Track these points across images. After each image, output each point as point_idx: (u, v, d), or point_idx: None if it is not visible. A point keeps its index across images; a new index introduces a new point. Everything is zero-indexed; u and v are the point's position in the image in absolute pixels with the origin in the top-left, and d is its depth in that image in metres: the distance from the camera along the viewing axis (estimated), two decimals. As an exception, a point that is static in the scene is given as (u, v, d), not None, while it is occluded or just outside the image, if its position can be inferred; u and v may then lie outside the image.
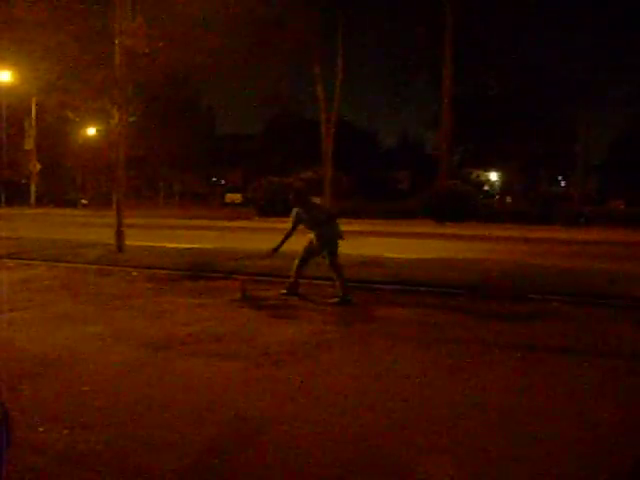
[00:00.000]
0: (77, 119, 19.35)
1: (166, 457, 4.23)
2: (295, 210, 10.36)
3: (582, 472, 4.09)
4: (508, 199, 53.04)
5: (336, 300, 9.70)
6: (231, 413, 5.03)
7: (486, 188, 65.21)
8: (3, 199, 57.63)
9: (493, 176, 71.22)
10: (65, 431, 4.62)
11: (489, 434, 4.67)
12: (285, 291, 10.32)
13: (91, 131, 50.21)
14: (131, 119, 16.10)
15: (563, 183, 61.12)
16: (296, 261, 10.40)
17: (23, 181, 57.98)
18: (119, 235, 15.78)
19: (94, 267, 13.38)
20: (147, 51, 15.43)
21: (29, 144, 52.36)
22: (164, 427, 4.73)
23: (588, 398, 5.49)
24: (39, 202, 54.81)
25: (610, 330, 8.14)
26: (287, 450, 4.35)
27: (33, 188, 54.90)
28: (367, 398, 5.43)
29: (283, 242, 10.28)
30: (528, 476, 4.05)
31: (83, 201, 57.99)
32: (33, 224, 29.13)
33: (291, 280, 10.36)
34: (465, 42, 41.89)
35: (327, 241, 10.09)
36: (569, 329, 8.15)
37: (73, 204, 55.82)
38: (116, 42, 15.51)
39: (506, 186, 64.79)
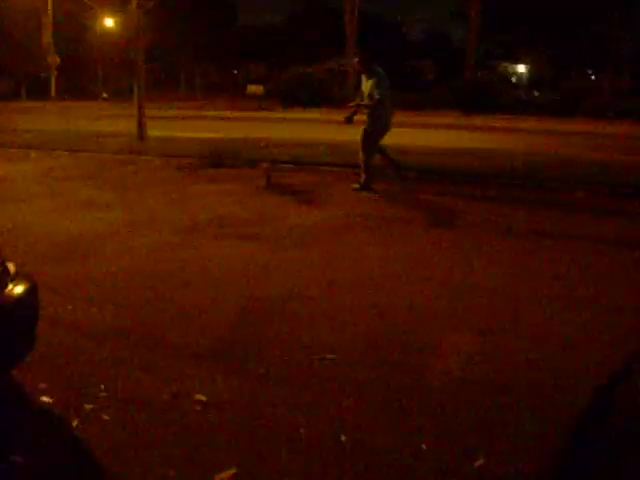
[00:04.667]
0: (95, 5, 18.75)
1: (195, 332, 4.28)
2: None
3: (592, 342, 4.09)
4: (536, 92, 51.67)
5: (357, 186, 9.54)
6: (254, 292, 5.07)
7: (513, 80, 63.50)
8: (24, 93, 57.22)
9: (521, 68, 69.29)
10: (94, 309, 4.68)
11: (501, 314, 4.68)
12: (357, 186, 9.62)
13: (109, 22, 49.17)
14: (149, 5, 15.59)
15: (593, 77, 59.29)
16: (361, 154, 9.63)
17: (43, 75, 57.37)
18: (141, 125, 15.67)
19: (117, 156, 13.34)
20: None
21: (47, 37, 51.50)
22: (191, 305, 4.78)
23: (607, 286, 5.45)
24: (60, 96, 54.33)
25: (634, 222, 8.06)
26: (308, 326, 4.39)
27: (53, 82, 54.36)
28: (388, 279, 5.43)
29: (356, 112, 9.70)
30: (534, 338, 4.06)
31: (104, 94, 57.44)
32: (54, 117, 28.94)
33: (363, 176, 9.64)
34: None
35: (386, 124, 9.55)
36: (589, 219, 8.07)
37: (94, 97, 55.35)
38: None
39: (535, 79, 63.12)
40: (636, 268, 5.91)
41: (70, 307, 4.69)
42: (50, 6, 48.67)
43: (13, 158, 13.41)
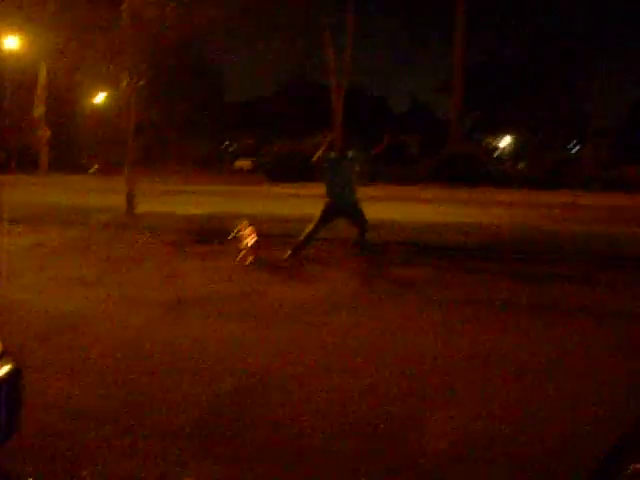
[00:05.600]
0: (86, 84, 19.23)
1: (180, 413, 4.28)
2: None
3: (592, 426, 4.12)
4: (520, 165, 52.64)
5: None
6: (243, 371, 5.08)
7: (497, 153, 64.68)
8: (13, 165, 57.69)
9: (505, 142, 70.65)
10: (79, 389, 4.67)
11: (497, 388, 4.70)
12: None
13: (100, 97, 50.05)
14: (140, 83, 15.96)
15: (577, 148, 60.57)
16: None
17: (33, 148, 57.92)
18: (130, 200, 15.81)
19: (105, 231, 13.41)
20: (156, 13, 15.30)
21: (38, 110, 52.28)
22: (178, 385, 4.79)
23: (601, 356, 5.50)
24: (49, 168, 54.80)
25: (618, 292, 8.15)
26: (298, 406, 4.40)
27: (43, 155, 54.89)
28: (377, 355, 5.47)
29: None
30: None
31: (94, 167, 57.98)
32: (43, 190, 29.16)
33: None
34: (476, 7, 41.36)
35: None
36: (577, 290, 8.17)
37: (83, 170, 55.78)
38: (125, 5, 15.40)
39: (517, 151, 64.32)
40: (616, 339, 5.97)
41: (56, 386, 4.69)
42: (43, 81, 49.60)
43: (1, 232, 13.44)
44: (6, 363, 3.23)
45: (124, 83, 15.72)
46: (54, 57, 16.53)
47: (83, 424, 4.09)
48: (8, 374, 3.20)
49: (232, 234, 10.43)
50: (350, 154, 10.13)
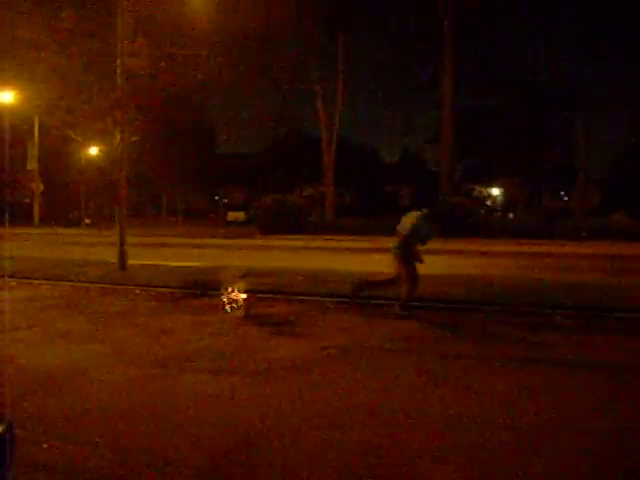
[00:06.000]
0: (79, 139, 19.44)
1: (171, 474, 4.25)
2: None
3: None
4: (510, 215, 53.04)
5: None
6: (236, 428, 5.06)
7: (488, 203, 65.23)
8: (6, 219, 57.75)
9: (495, 191, 71.32)
10: (70, 447, 4.65)
11: (487, 445, 4.69)
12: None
13: (93, 151, 50.38)
14: (133, 139, 16.13)
15: (566, 198, 61.12)
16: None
17: (26, 201, 58.14)
18: (122, 254, 15.82)
19: (97, 286, 13.42)
20: (148, 71, 15.53)
21: (32, 164, 52.69)
22: (169, 444, 4.76)
23: (595, 410, 5.51)
24: (42, 222, 54.98)
25: (609, 341, 8.17)
26: (292, 463, 4.38)
27: (36, 208, 55.09)
28: (369, 411, 5.45)
29: None
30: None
31: (86, 220, 58.10)
32: (36, 244, 29.21)
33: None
34: (464, 57, 42.11)
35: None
36: (570, 341, 8.17)
37: (76, 224, 55.93)
38: (118, 63, 15.65)
39: (508, 201, 64.89)
40: (610, 390, 5.97)
41: (45, 446, 4.66)
42: (36, 135, 50.03)
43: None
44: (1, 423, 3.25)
45: (117, 138, 15.87)
46: (48, 113, 16.63)
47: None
48: (2, 434, 3.22)
49: (224, 289, 10.45)
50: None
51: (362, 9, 42.49)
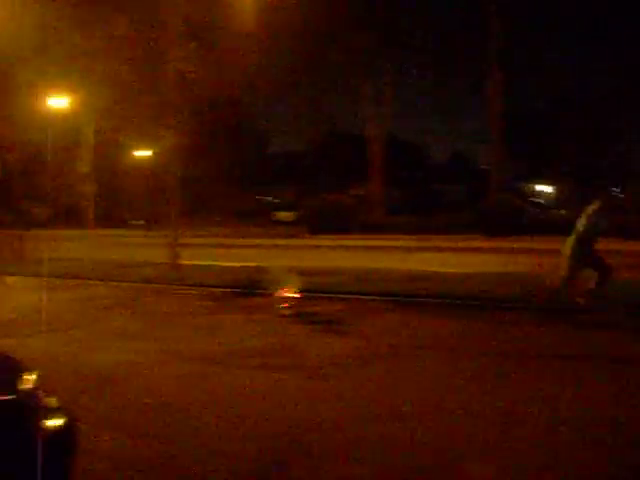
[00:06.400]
0: (132, 143, 19.95)
1: (225, 464, 4.44)
2: None
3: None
4: (562, 212, 52.31)
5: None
6: (286, 422, 5.23)
7: (540, 201, 64.46)
8: (61, 221, 59.08)
9: (548, 189, 70.35)
10: (128, 440, 4.88)
11: (532, 444, 4.77)
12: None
13: (144, 153, 51.23)
14: (185, 142, 16.44)
15: (621, 196, 60.15)
16: None
17: (78, 203, 59.28)
18: (174, 254, 16.12)
19: (151, 286, 13.75)
20: (200, 75, 15.82)
21: (85, 167, 53.81)
22: (222, 436, 4.96)
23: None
24: (94, 224, 56.08)
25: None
26: (336, 457, 4.53)
27: (88, 210, 56.27)
28: (416, 410, 5.56)
29: None
30: None
31: (137, 222, 59.04)
32: (90, 245, 29.87)
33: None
34: (512, 56, 41.64)
35: None
36: (619, 339, 8.16)
37: (127, 225, 56.89)
38: (170, 67, 15.96)
39: (561, 199, 63.98)
40: None
41: (105, 438, 4.88)
42: (90, 139, 51.12)
43: (51, 287, 13.86)
44: (62, 417, 3.48)
45: (169, 142, 16.19)
46: (102, 117, 17.07)
47: (131, 474, 4.29)
48: (64, 428, 3.44)
49: (275, 289, 10.65)
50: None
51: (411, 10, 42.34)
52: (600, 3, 41.62)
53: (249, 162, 60.60)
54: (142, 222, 58.53)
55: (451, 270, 14.35)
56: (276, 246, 27.39)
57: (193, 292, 12.80)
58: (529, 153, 60.20)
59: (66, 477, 3.53)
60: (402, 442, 4.81)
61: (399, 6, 41.16)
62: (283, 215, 55.77)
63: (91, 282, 14.53)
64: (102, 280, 14.65)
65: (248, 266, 16.02)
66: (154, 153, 48.17)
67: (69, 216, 56.52)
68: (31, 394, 3.46)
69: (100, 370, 6.93)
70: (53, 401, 3.58)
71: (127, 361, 7.32)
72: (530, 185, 67.44)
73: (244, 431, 5.07)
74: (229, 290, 12.74)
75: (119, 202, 63.62)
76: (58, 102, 37.96)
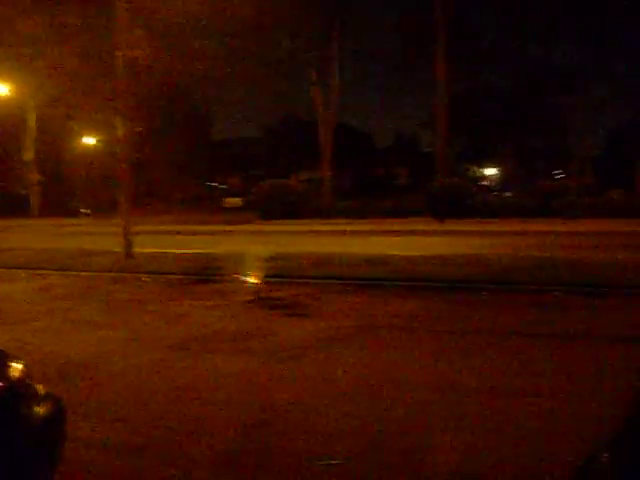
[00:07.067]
0: (79, 130, 19.69)
1: (202, 443, 4.58)
2: None
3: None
4: (507, 194, 53.33)
5: None
6: (256, 404, 5.37)
7: (485, 183, 65.51)
8: (3, 210, 58.02)
9: (491, 171, 71.56)
10: (106, 425, 4.96)
11: (492, 415, 5.01)
12: None
13: (90, 140, 50.54)
14: (137, 129, 16.36)
15: (562, 176, 61.50)
16: None
17: (22, 192, 58.23)
18: (127, 242, 16.07)
19: (106, 275, 13.69)
20: (148, 62, 15.76)
21: (28, 155, 52.82)
22: (196, 418, 5.08)
23: (601, 380, 5.82)
24: (40, 212, 55.15)
25: (609, 317, 8.49)
26: (310, 435, 4.69)
27: (33, 199, 55.30)
28: (383, 386, 5.77)
29: None
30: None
31: (84, 210, 58.26)
32: (36, 235, 29.44)
33: None
34: (457, 37, 42.20)
35: None
36: (569, 317, 8.50)
37: (74, 214, 56.06)
38: (118, 54, 15.87)
39: (504, 181, 65.19)
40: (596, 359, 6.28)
41: (81, 424, 4.96)
42: (32, 126, 50.16)
43: (4, 278, 13.74)
44: (52, 403, 3.58)
45: (119, 129, 16.09)
46: (49, 105, 16.88)
47: (112, 458, 4.40)
48: (55, 413, 3.54)
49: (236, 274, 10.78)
50: None
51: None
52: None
53: (196, 149, 60.17)
54: (88, 210, 57.85)
55: (406, 253, 14.67)
56: (227, 232, 27.44)
57: (150, 280, 12.82)
58: (470, 133, 61.12)
59: (57, 462, 3.63)
60: (370, 417, 5.01)
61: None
62: (232, 201, 55.74)
63: (46, 272, 14.38)
64: (57, 270, 14.51)
65: (203, 253, 16.10)
66: (100, 140, 47.68)
67: (13, 205, 55.46)
68: (21, 381, 3.54)
69: (69, 360, 6.95)
70: (41, 388, 3.67)
71: (94, 350, 7.36)
72: (475, 167, 68.57)
73: (220, 414, 5.19)
74: (186, 277, 12.79)
75: (65, 190, 62.66)
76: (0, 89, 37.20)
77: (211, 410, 5.27)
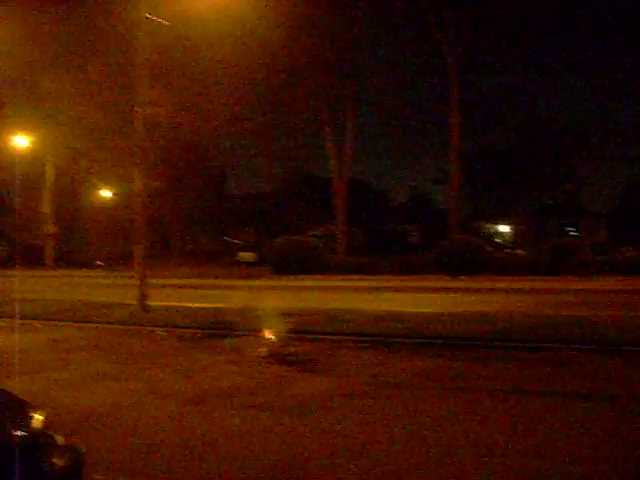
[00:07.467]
0: (97, 183, 20.08)
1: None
2: None
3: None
4: (519, 251, 53.31)
5: None
6: (271, 461, 5.41)
7: (497, 240, 65.59)
8: (20, 261, 58.30)
9: (503, 228, 71.71)
10: (120, 478, 5.01)
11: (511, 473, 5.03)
12: None
13: (107, 193, 51.14)
14: (154, 184, 16.62)
15: (574, 233, 61.59)
16: None
17: (38, 242, 58.69)
18: (142, 295, 16.16)
19: (121, 327, 13.79)
20: (169, 120, 16.10)
21: (45, 207, 53.47)
22: (207, 473, 5.14)
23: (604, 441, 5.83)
24: (54, 264, 55.51)
25: (620, 376, 8.48)
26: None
27: (49, 250, 55.73)
28: (395, 445, 5.80)
29: None
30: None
31: (99, 262, 58.53)
32: (52, 285, 29.60)
33: None
34: (470, 95, 42.80)
35: None
36: (580, 376, 8.50)
37: (89, 265, 56.36)
38: (137, 110, 16.21)
39: (517, 238, 65.22)
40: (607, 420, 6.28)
41: (97, 477, 5.01)
42: (51, 178, 50.91)
43: (17, 329, 13.83)
44: (72, 454, 3.65)
45: (137, 184, 16.33)
46: (69, 159, 17.21)
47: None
48: (75, 464, 3.62)
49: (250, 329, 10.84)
50: None
51: (371, 53, 43.62)
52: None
53: (210, 203, 60.65)
54: (101, 263, 58.15)
55: (419, 310, 14.70)
56: (241, 287, 27.51)
57: (165, 334, 12.90)
58: (483, 191, 61.42)
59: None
60: (382, 476, 5.04)
61: (363, 51, 42.29)
62: (246, 255, 55.96)
63: (61, 323, 14.51)
64: (72, 321, 14.63)
65: (218, 307, 16.17)
66: (117, 193, 48.24)
67: (29, 256, 55.83)
68: (42, 431, 3.63)
69: (85, 411, 7.03)
70: (60, 439, 3.74)
71: (110, 402, 7.43)
72: (488, 225, 68.73)
73: (232, 469, 5.24)
74: (201, 331, 12.87)
75: (80, 242, 63.11)
76: (19, 141, 37.88)
77: (225, 465, 5.31)
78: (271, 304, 16.40)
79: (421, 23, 40.86)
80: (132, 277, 17.22)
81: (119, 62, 16.08)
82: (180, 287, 27.18)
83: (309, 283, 28.90)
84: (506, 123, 50.33)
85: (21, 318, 15.27)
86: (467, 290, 23.64)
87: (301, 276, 33.61)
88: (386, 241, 60.11)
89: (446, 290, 23.77)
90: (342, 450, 5.67)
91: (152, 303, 16.42)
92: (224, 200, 69.56)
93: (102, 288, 27.82)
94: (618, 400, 7.28)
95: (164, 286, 24.06)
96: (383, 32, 41.98)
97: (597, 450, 5.55)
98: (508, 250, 56.13)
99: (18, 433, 3.43)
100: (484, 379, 8.43)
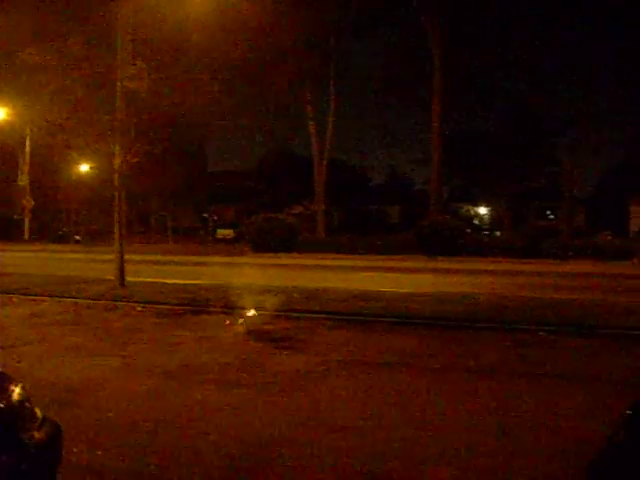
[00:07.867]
0: (79, 157, 19.95)
1: (186, 474, 4.70)
2: None
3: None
4: (497, 233, 53.68)
5: None
6: (243, 437, 5.49)
7: (476, 222, 65.98)
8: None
9: (482, 210, 72.15)
10: (98, 452, 5.08)
11: (483, 447, 5.15)
12: None
13: (85, 168, 50.68)
14: (134, 160, 16.50)
15: (552, 217, 62.03)
16: None
17: (15, 217, 58.25)
18: (121, 271, 16.14)
19: (99, 302, 13.78)
20: (149, 94, 15.99)
21: (23, 180, 52.95)
22: (183, 448, 5.21)
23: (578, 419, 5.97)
24: (33, 238, 55.16)
25: (593, 358, 8.64)
26: (298, 473, 4.82)
27: (27, 224, 55.32)
28: (370, 421, 5.90)
29: None
30: None
31: (77, 237, 58.24)
32: (29, 260, 29.46)
33: None
34: (453, 78, 42.77)
35: None
36: (554, 357, 8.65)
37: (66, 240, 56.06)
38: (118, 85, 16.08)
39: (495, 220, 65.69)
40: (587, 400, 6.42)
41: (75, 450, 5.07)
42: (27, 150, 50.40)
43: (-2, 303, 13.81)
44: (50, 426, 3.70)
45: (118, 159, 16.22)
46: (50, 133, 17.00)
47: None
48: (52, 437, 3.66)
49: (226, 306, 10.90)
50: None
51: (355, 30, 43.43)
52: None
53: (190, 180, 60.37)
54: (80, 238, 57.84)
55: (396, 289, 14.85)
56: (219, 264, 27.55)
57: (143, 309, 12.92)
58: (463, 173, 61.62)
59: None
60: (356, 451, 5.14)
61: (347, 33, 42.13)
62: (224, 232, 55.92)
63: (37, 298, 14.47)
64: (49, 296, 14.58)
65: (195, 284, 16.21)
66: (95, 168, 47.80)
67: (7, 230, 55.43)
68: (20, 404, 3.66)
69: (61, 386, 7.06)
70: (38, 411, 3.78)
71: (87, 376, 7.47)
72: (466, 206, 69.10)
73: (207, 444, 5.31)
74: (179, 307, 12.90)
75: (59, 217, 62.72)
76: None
77: (200, 441, 5.38)
78: (250, 282, 16.46)
79: (406, 6, 40.77)
80: (111, 253, 17.16)
81: (101, 36, 15.90)
82: (159, 263, 27.16)
83: (288, 261, 28.99)
84: (489, 107, 50.38)
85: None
86: (445, 271, 23.82)
87: (280, 254, 33.67)
88: (365, 220, 60.33)
89: (424, 271, 23.97)
90: (317, 426, 5.76)
91: (130, 279, 16.43)
92: (205, 177, 69.33)
93: (80, 263, 27.73)
94: (591, 381, 7.42)
95: (143, 262, 24.04)
96: (367, 13, 41.62)
97: (576, 428, 5.69)
98: (486, 232, 56.60)
99: (-2, 405, 3.48)
100: (458, 358, 8.56)
